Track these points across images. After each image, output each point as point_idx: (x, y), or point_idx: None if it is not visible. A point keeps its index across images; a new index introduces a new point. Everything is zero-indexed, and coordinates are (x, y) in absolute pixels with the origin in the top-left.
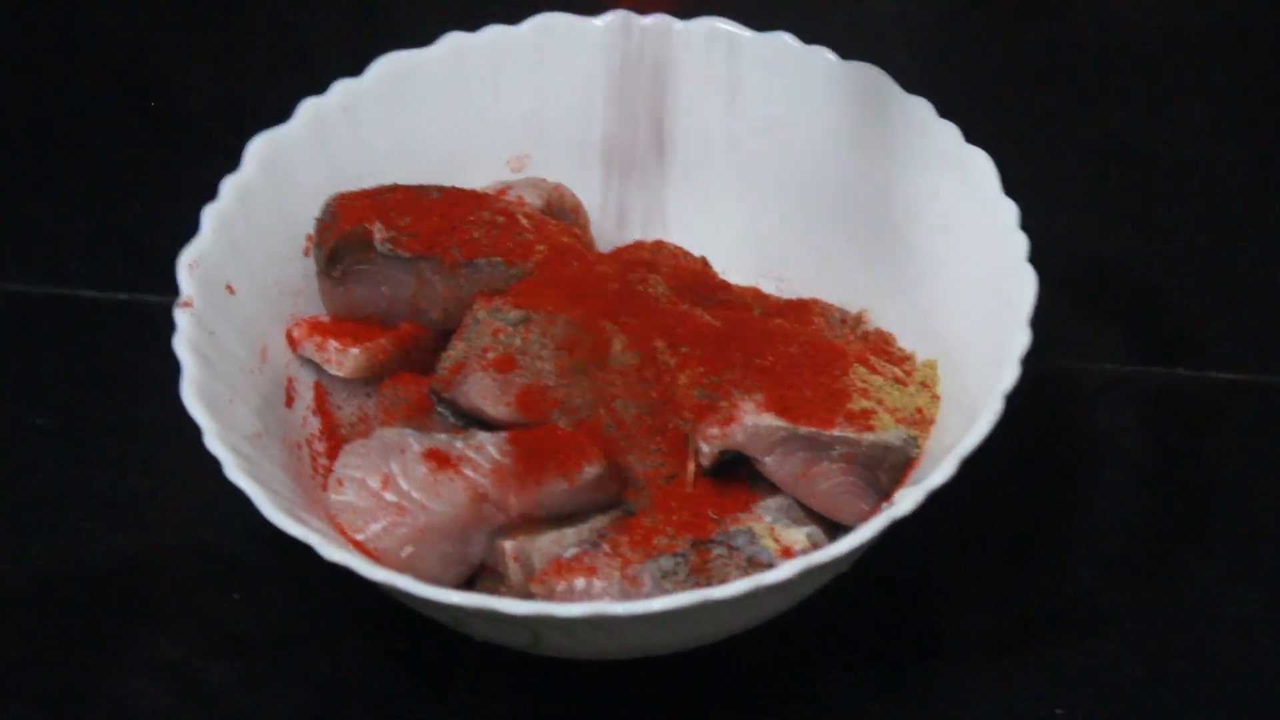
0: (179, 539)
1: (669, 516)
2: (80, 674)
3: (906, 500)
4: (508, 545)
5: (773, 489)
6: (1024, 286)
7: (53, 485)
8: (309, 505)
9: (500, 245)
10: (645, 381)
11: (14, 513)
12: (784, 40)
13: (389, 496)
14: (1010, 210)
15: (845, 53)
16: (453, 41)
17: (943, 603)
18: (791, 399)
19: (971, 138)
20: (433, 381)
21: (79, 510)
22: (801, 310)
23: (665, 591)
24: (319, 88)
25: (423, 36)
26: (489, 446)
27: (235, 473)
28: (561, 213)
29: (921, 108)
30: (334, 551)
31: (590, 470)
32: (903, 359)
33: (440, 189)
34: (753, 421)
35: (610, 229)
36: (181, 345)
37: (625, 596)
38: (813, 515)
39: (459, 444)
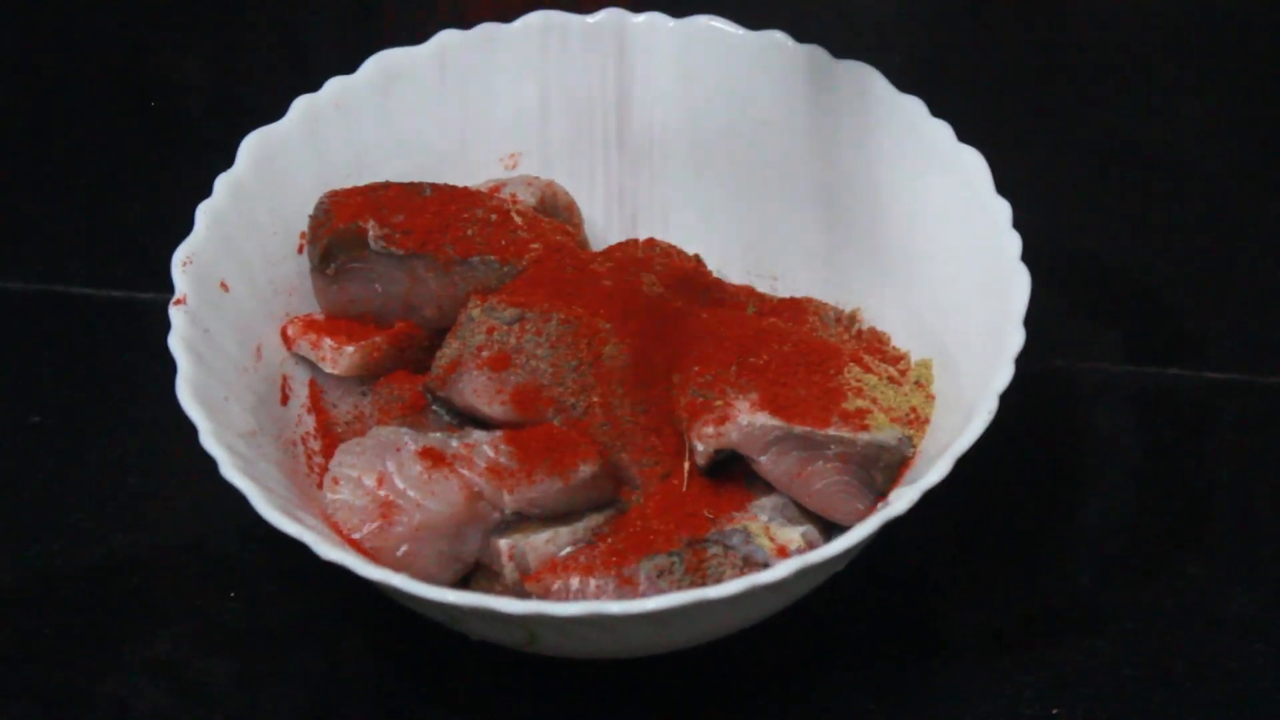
0: (175, 537)
1: (664, 515)
2: (77, 672)
3: (901, 500)
4: (503, 544)
5: (768, 488)
6: (1018, 286)
7: (48, 483)
8: (304, 504)
9: (494, 243)
10: (640, 380)
11: (9, 511)
12: (777, 39)
13: (384, 495)
14: (1003, 209)
15: (838, 52)
16: (445, 39)
17: (938, 602)
18: (786, 398)
19: (964, 137)
20: (428, 380)
21: (74, 508)
22: (796, 309)
23: (660, 591)
24: (312, 85)
25: (415, 34)
26: (484, 445)
27: (231, 471)
28: (555, 211)
29: (914, 107)
30: (329, 550)
31: (585, 469)
32: (897, 358)
33: (434, 187)
34: (747, 421)
35: (604, 227)
36: (176, 343)
37: (620, 595)
38: (808, 515)
39: (454, 442)
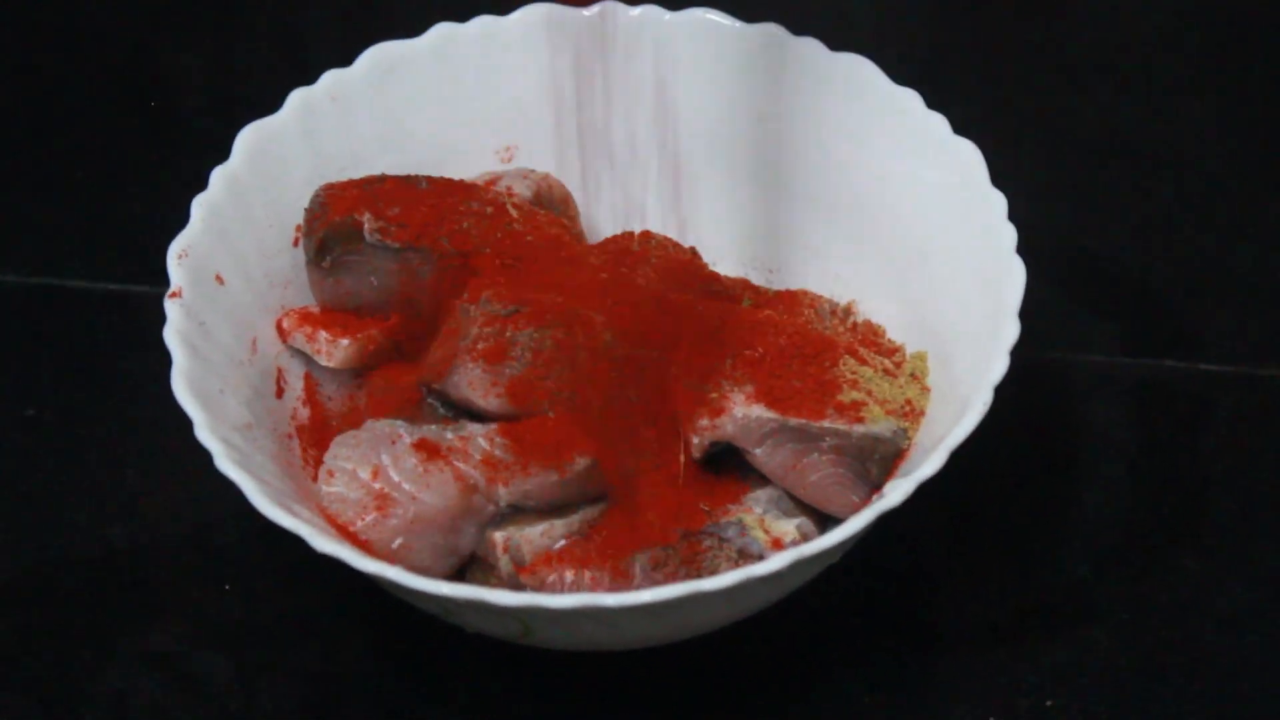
0: (170, 531)
1: (659, 508)
2: (73, 666)
3: (896, 492)
4: (498, 536)
5: (763, 480)
6: (1013, 278)
7: (43, 477)
8: (300, 496)
9: (489, 236)
10: (635, 373)
11: (4, 504)
12: (773, 31)
13: (379, 488)
14: (999, 201)
15: (834, 44)
16: (442, 32)
17: (933, 594)
18: (781, 390)
19: (960, 129)
20: (423, 373)
21: (70, 502)
22: (791, 301)
23: (655, 583)
24: (308, 78)
25: (412, 27)
26: (479, 437)
27: (226, 464)
28: (551, 203)
29: (910, 99)
30: (325, 543)
31: (580, 461)
32: (892, 350)
33: (429, 179)
34: (743, 413)
35: (599, 220)
36: (171, 336)
37: (615, 588)
38: (803, 507)
39: (449, 435)
